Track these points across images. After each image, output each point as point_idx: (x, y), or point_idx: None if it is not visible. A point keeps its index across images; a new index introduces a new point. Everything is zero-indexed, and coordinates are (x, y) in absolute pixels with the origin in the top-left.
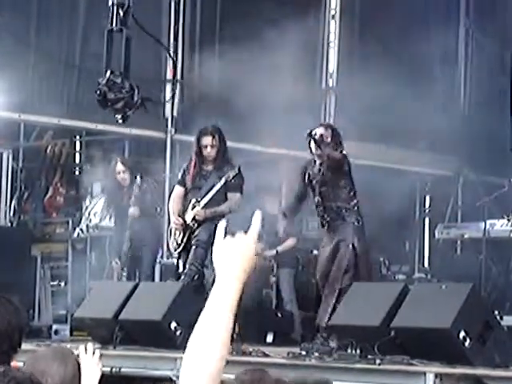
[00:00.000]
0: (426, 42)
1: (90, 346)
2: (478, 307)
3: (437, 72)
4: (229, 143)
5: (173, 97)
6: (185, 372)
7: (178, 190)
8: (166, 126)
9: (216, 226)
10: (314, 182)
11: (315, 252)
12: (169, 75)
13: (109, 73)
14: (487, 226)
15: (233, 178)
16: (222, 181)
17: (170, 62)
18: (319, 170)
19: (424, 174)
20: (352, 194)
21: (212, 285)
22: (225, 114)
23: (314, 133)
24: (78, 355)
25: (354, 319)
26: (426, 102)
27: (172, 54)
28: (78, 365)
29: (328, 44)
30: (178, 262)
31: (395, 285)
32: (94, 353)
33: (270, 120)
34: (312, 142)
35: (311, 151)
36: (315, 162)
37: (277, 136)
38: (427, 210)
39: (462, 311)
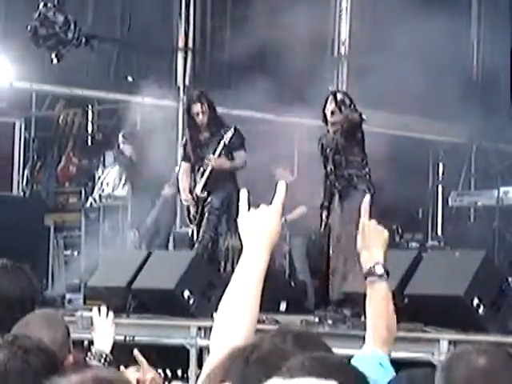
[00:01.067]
0: (438, 11)
1: (103, 308)
2: (492, 274)
3: (449, 42)
4: (241, 112)
5: (184, 65)
6: (216, 337)
7: (185, 166)
8: (178, 94)
9: (228, 193)
10: (327, 150)
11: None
12: (180, 43)
13: (41, 5)
14: (500, 194)
15: (231, 138)
16: (221, 145)
17: (181, 30)
18: (333, 138)
19: (437, 142)
20: (364, 162)
21: (225, 253)
22: (237, 83)
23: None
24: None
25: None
26: (438, 72)
27: (184, 22)
28: (68, 330)
29: (340, 11)
30: (192, 232)
31: (408, 252)
32: (107, 315)
33: (282, 88)
34: (332, 103)
35: (325, 117)
36: (328, 131)
37: (289, 104)
38: (440, 178)
39: (476, 278)
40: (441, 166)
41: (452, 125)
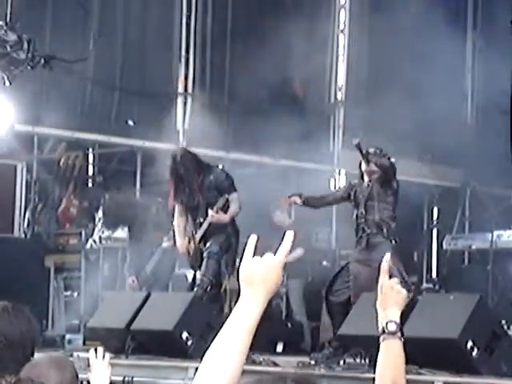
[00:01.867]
0: (433, 56)
1: (100, 349)
2: (486, 317)
3: (445, 87)
4: (239, 155)
5: (184, 109)
6: (197, 380)
7: (179, 208)
8: (178, 138)
9: (226, 235)
10: (360, 196)
11: (324, 263)
12: (180, 88)
13: None
14: (494, 237)
15: (221, 182)
16: (216, 207)
17: (181, 75)
18: (368, 185)
19: (431, 186)
20: (394, 215)
21: (223, 295)
22: (235, 126)
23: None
24: (86, 359)
25: (363, 329)
26: (432, 115)
27: (183, 66)
28: (76, 372)
29: (337, 57)
30: (194, 274)
31: None
32: (103, 357)
33: (279, 132)
34: (359, 155)
35: (360, 168)
36: (362, 180)
37: (286, 148)
38: (435, 222)
39: (470, 321)
40: (435, 209)
41: (447, 169)
